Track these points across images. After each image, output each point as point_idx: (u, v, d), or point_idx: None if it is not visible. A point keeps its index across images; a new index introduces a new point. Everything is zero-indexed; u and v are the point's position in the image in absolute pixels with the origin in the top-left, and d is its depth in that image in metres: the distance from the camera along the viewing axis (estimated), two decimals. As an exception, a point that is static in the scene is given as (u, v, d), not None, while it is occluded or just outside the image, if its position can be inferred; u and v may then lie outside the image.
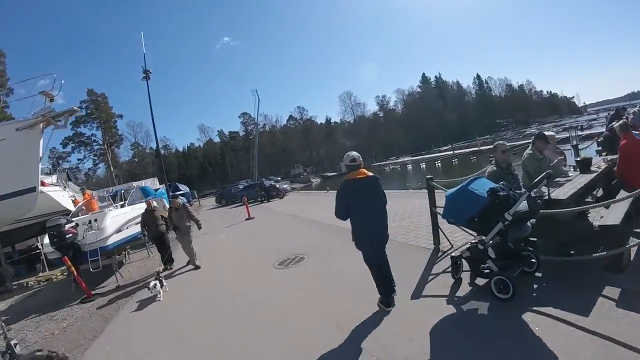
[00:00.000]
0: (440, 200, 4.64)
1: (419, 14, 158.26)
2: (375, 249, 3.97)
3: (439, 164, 45.01)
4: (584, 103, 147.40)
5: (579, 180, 4.68)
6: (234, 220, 15.26)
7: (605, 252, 3.48)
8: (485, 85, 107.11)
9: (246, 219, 14.84)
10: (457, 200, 3.79)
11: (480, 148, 48.22)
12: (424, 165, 46.62)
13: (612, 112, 12.46)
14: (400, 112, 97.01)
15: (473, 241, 4.05)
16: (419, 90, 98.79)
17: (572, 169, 5.63)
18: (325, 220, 9.47)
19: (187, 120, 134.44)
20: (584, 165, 5.22)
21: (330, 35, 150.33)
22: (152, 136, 73.49)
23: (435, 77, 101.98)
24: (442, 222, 4.88)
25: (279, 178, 47.58)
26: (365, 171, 3.95)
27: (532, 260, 3.87)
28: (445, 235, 5.61)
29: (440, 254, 5.46)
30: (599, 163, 5.58)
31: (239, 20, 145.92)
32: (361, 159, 4.01)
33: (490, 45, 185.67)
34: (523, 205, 3.50)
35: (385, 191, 4.19)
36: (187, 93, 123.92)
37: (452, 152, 52.93)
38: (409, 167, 49.71)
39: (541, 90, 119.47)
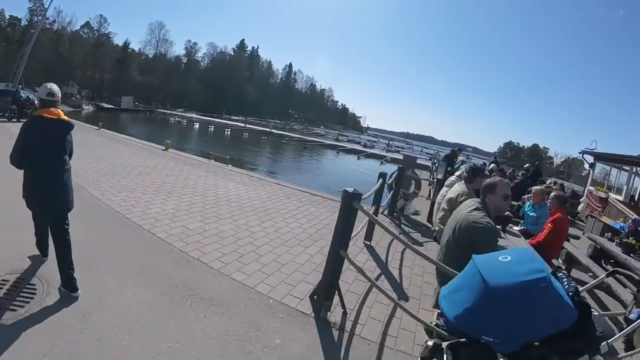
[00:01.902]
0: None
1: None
2: (45, 212, 3.10)
3: (229, 132, 44.73)
4: (368, 125, 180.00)
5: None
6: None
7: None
8: (293, 75, 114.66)
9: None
10: (519, 302, 1.54)
11: (272, 131, 50.95)
12: (212, 129, 45.97)
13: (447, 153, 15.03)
14: (205, 67, 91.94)
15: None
16: (232, 53, 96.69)
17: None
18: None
19: None
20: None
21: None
22: None
23: (253, 47, 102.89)
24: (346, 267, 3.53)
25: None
26: (61, 113, 3.04)
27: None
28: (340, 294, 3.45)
29: (339, 334, 3.10)
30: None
31: None
32: (59, 95, 3.13)
33: (312, 45, 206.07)
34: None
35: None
36: None
37: (244, 125, 53.23)
38: (196, 125, 48.04)
39: (337, 101, 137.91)
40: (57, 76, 58.89)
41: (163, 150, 11.96)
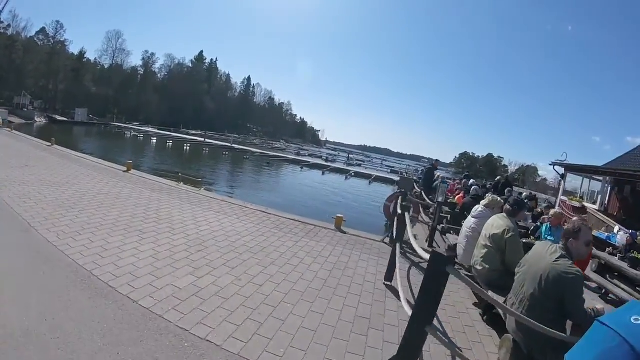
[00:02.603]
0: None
1: None
2: None
3: (188, 147, 43.73)
4: (326, 139, 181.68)
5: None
6: None
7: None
8: (252, 89, 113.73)
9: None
10: None
11: (233, 146, 49.97)
12: (170, 144, 44.50)
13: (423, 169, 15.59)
14: (162, 79, 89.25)
15: None
16: (190, 65, 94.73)
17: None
18: None
19: None
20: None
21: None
22: None
23: (211, 60, 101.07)
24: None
25: None
26: None
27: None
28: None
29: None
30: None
31: None
32: None
33: (271, 59, 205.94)
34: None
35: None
36: None
37: (203, 139, 51.97)
38: (154, 140, 45.90)
39: (296, 115, 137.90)
40: (9, 85, 55.22)
41: (124, 172, 10.46)
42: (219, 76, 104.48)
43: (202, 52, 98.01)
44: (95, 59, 77.06)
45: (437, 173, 14.26)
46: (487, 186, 14.69)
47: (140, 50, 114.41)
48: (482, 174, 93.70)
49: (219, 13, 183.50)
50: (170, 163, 28.78)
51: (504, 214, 4.28)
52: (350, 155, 79.14)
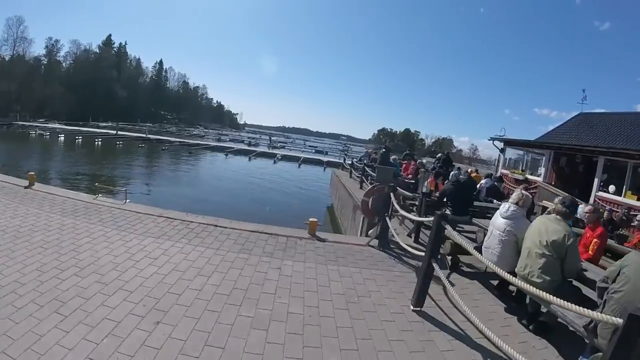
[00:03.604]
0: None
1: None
2: None
3: (100, 142, 40.39)
4: (245, 122, 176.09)
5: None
6: None
7: None
8: (164, 74, 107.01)
9: None
10: None
11: (149, 136, 47.59)
12: (80, 140, 40.66)
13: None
14: (67, 68, 80.00)
15: None
16: (97, 51, 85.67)
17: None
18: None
19: None
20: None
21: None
22: None
23: (120, 44, 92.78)
24: None
25: None
26: None
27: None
28: None
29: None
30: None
31: None
32: None
33: (185, 40, 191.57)
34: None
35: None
36: None
37: (115, 132, 48.30)
38: (61, 138, 41.64)
39: (212, 99, 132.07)
40: None
41: (26, 187, 7.87)
42: (128, 61, 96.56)
43: (110, 35, 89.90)
44: (-3, 50, 66.10)
45: (393, 156, 13.60)
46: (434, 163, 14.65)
47: (43, 38, 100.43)
48: (401, 147, 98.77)
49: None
50: (81, 163, 25.50)
51: (557, 216, 3.73)
52: (272, 138, 77.91)
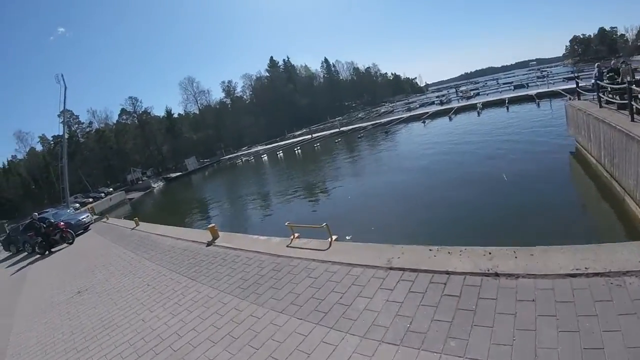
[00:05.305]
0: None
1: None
2: None
3: (299, 150, 41.60)
4: (426, 83, 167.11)
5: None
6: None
7: None
8: (333, 68, 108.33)
9: None
10: None
11: (342, 129, 47.17)
12: (281, 154, 42.77)
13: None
14: (249, 99, 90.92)
15: None
16: (267, 74, 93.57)
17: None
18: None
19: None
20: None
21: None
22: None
23: (284, 60, 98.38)
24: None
25: (78, 204, 35.59)
26: None
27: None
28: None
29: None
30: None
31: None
32: None
33: (336, 29, 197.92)
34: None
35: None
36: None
37: (310, 136, 49.73)
38: (264, 157, 44.79)
39: (386, 73, 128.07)
40: (116, 169, 62.55)
41: (207, 244, 6.66)
42: (297, 71, 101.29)
43: (271, 57, 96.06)
44: (184, 109, 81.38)
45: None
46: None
47: (218, 83, 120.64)
48: (602, 53, 78.95)
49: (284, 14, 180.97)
50: (288, 176, 25.98)
51: None
52: (461, 88, 67.84)
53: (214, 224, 7.61)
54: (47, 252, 13.54)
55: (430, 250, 4.02)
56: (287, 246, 5.60)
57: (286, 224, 6.11)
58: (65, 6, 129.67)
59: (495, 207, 9.59)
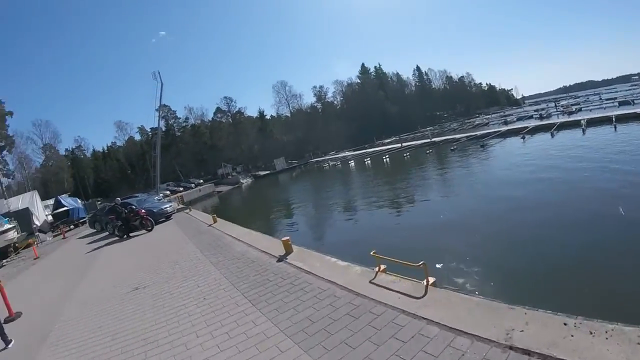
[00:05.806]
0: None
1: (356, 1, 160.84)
2: None
3: (387, 159, 39.27)
4: (522, 95, 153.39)
5: None
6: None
7: None
8: (425, 77, 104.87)
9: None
10: None
11: (433, 139, 44.31)
12: (369, 161, 40.97)
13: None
14: (339, 105, 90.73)
15: None
16: (358, 81, 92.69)
17: None
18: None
19: (103, 117, 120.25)
20: None
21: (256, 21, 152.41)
22: (60, 135, 63.26)
23: (375, 67, 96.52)
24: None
25: (168, 192, 39.58)
26: None
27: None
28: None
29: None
30: None
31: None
32: None
33: (429, 37, 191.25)
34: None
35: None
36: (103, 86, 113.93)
37: (400, 145, 47.25)
38: (352, 163, 43.74)
39: (480, 83, 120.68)
40: (208, 162, 66.67)
41: (278, 259, 5.91)
42: (389, 78, 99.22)
43: (363, 64, 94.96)
44: (276, 112, 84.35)
45: None
46: None
47: (309, 87, 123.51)
48: None
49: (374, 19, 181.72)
50: (375, 184, 24.31)
51: None
52: (562, 102, 60.50)
53: (287, 237, 6.63)
54: (125, 236, 14.04)
55: (565, 324, 2.89)
56: (370, 282, 4.43)
57: (371, 253, 4.81)
58: (168, 13, 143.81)
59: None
